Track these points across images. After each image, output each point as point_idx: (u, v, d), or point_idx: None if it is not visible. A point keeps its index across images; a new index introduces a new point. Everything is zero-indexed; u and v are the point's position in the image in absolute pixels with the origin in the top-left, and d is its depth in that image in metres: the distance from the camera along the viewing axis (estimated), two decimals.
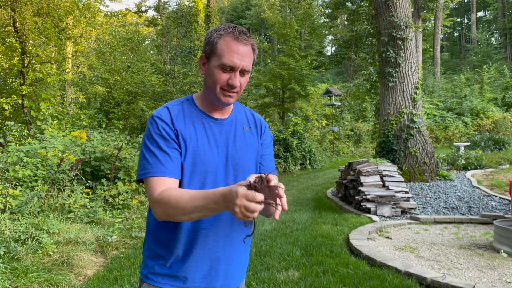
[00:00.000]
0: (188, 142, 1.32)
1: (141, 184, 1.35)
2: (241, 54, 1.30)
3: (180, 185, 1.32)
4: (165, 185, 1.25)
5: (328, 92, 17.09)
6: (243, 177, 1.39)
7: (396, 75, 8.66)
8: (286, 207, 1.08)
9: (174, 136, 1.31)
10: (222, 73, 1.31)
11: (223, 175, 1.36)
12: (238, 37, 1.31)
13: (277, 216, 1.09)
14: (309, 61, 20.36)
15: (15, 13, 8.72)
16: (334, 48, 40.66)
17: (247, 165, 1.42)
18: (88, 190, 5.86)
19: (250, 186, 1.05)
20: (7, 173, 5.08)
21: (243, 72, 1.33)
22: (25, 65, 9.15)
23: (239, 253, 1.42)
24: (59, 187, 5.30)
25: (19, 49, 9.21)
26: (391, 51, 8.65)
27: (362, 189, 6.52)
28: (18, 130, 7.06)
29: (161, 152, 1.29)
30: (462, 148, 12.16)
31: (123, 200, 6.06)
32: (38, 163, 5.76)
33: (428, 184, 8.09)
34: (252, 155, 1.44)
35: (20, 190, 5.13)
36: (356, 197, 6.67)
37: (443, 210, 6.38)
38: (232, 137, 1.41)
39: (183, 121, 1.35)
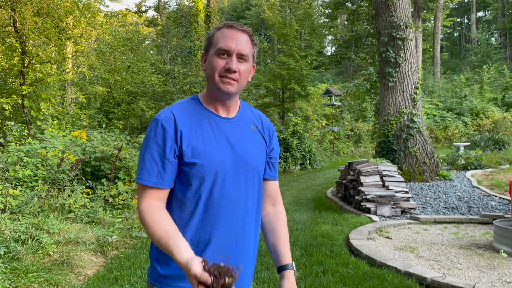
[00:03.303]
0: (194, 142, 1.31)
1: None
2: (235, 39, 1.32)
3: (190, 187, 1.32)
4: (151, 194, 1.30)
5: (328, 92, 17.09)
6: (252, 176, 1.39)
7: (396, 75, 8.66)
8: None
9: (172, 141, 1.30)
10: (219, 59, 1.32)
11: (233, 174, 1.34)
12: (232, 25, 1.35)
13: None
14: (309, 61, 20.34)
15: (15, 13, 8.73)
16: (334, 48, 40.68)
17: (257, 164, 1.41)
18: (88, 190, 5.86)
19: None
20: (7, 173, 5.08)
21: (240, 58, 1.33)
22: (25, 65, 9.15)
23: (248, 253, 1.42)
24: (59, 187, 5.30)
25: (19, 49, 9.21)
26: (391, 51, 8.65)
27: (362, 189, 6.52)
28: (18, 130, 7.06)
29: (152, 160, 1.30)
30: (462, 148, 12.16)
31: (123, 200, 6.06)
32: (38, 163, 5.76)
33: (428, 184, 8.09)
34: (261, 154, 1.44)
35: (20, 190, 5.13)
36: (356, 197, 6.67)
37: (443, 210, 6.38)
38: (240, 136, 1.39)
39: (188, 122, 1.33)
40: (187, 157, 1.30)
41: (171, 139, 1.30)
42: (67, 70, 11.38)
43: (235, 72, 1.31)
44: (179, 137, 1.30)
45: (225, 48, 1.31)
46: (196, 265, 1.06)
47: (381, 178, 6.70)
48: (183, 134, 1.31)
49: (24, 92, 8.77)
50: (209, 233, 1.32)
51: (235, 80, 1.32)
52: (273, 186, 1.55)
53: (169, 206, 1.36)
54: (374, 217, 6.06)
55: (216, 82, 1.33)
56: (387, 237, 5.23)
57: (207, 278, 1.03)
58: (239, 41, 1.32)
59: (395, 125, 8.61)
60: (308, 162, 13.93)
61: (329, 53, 42.37)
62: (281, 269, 1.47)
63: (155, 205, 1.29)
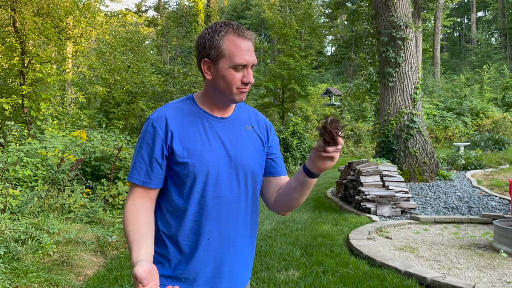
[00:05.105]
0: (185, 142, 1.31)
1: None
2: (249, 50, 1.31)
3: (182, 188, 1.32)
4: (139, 192, 1.33)
5: (328, 92, 17.09)
6: (246, 176, 1.38)
7: (396, 75, 8.66)
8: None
9: (162, 141, 1.31)
10: (236, 73, 1.30)
11: (226, 174, 1.34)
12: (241, 34, 1.31)
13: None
14: (309, 61, 20.36)
15: (15, 13, 8.73)
16: (334, 48, 40.68)
17: (252, 164, 1.40)
18: (88, 190, 5.86)
19: None
20: (7, 173, 5.08)
21: (252, 67, 1.34)
22: (25, 65, 9.15)
23: (243, 254, 1.41)
24: (59, 187, 5.30)
25: (19, 49, 9.21)
26: (391, 51, 8.65)
27: (362, 189, 6.52)
28: (18, 130, 7.06)
29: (141, 159, 1.33)
30: (462, 148, 12.16)
31: (123, 200, 6.06)
32: (38, 163, 5.76)
33: (428, 184, 8.09)
34: (256, 154, 1.42)
35: (20, 190, 5.13)
36: (356, 197, 6.67)
37: (443, 210, 6.38)
38: (234, 136, 1.39)
39: (180, 121, 1.33)
40: (178, 157, 1.30)
41: (160, 139, 1.31)
42: (67, 70, 11.38)
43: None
44: (170, 137, 1.31)
45: (244, 64, 1.30)
46: (139, 267, 1.10)
47: (381, 178, 6.70)
48: (174, 134, 1.31)
49: (24, 92, 8.77)
50: (201, 233, 1.32)
51: (248, 89, 1.35)
52: (285, 181, 1.50)
53: (162, 207, 1.37)
54: (374, 217, 6.06)
55: (233, 95, 1.33)
56: (387, 237, 5.23)
57: (144, 279, 1.08)
58: (252, 51, 1.32)
59: (395, 125, 8.61)
60: None
61: (329, 53, 42.38)
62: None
63: (140, 203, 1.31)
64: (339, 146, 1.22)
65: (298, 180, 1.36)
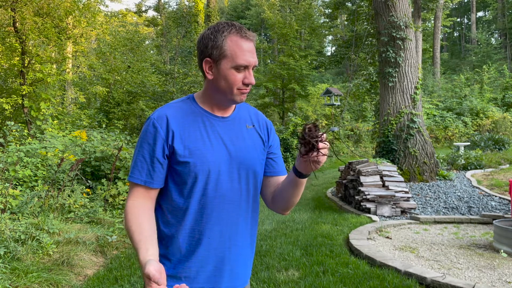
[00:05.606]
0: (186, 142, 1.31)
1: None
2: (250, 51, 1.32)
3: (183, 187, 1.32)
4: (140, 192, 1.32)
5: (328, 92, 17.08)
6: (247, 176, 1.38)
7: (396, 75, 8.66)
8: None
9: (163, 141, 1.31)
10: (237, 73, 1.31)
11: (227, 174, 1.34)
12: (244, 35, 1.31)
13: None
14: (309, 61, 20.37)
15: (15, 13, 8.73)
16: (334, 48, 40.68)
17: (252, 164, 1.40)
18: (88, 190, 5.86)
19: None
20: (7, 173, 5.08)
21: (253, 68, 1.34)
22: (25, 65, 9.15)
23: (244, 253, 1.41)
24: (59, 187, 5.30)
25: (19, 49, 9.21)
26: (391, 51, 8.65)
27: (362, 189, 6.52)
28: (18, 130, 7.06)
29: (142, 159, 1.32)
30: (462, 148, 12.15)
31: (123, 200, 6.06)
32: (38, 163, 5.76)
33: (428, 184, 8.09)
34: (257, 154, 1.42)
35: (20, 190, 5.13)
36: (356, 197, 6.67)
37: (443, 210, 6.38)
38: (235, 135, 1.39)
39: (181, 121, 1.33)
40: (179, 156, 1.30)
41: (161, 139, 1.31)
42: (67, 70, 11.37)
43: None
44: (171, 136, 1.31)
45: (246, 65, 1.30)
46: (151, 266, 1.11)
47: (381, 178, 6.70)
48: (175, 133, 1.31)
49: (24, 92, 8.77)
50: (202, 233, 1.32)
51: (248, 90, 1.35)
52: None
53: (163, 206, 1.37)
54: (374, 217, 6.06)
55: (234, 95, 1.33)
56: (387, 237, 5.23)
57: (158, 279, 1.09)
58: (254, 53, 1.33)
59: (395, 125, 8.61)
60: None
61: (329, 53, 42.37)
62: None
63: (141, 203, 1.31)
64: (323, 150, 1.21)
65: (290, 179, 1.37)
